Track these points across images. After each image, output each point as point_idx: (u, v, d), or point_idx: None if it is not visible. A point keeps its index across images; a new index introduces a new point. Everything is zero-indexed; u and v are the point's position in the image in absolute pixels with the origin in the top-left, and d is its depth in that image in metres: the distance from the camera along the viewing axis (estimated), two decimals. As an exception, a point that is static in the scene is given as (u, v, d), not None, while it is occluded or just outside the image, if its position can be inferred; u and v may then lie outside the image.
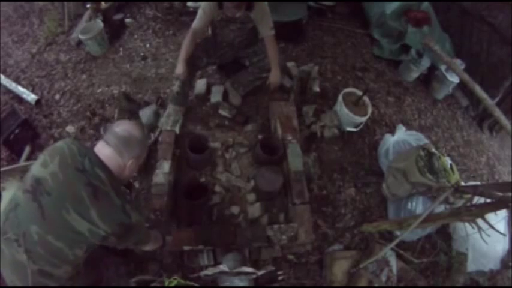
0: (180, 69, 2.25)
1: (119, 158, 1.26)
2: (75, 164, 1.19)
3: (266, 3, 2.30)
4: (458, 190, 1.82)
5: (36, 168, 1.21)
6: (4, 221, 1.20)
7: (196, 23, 2.27)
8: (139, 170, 2.28)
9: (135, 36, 3.24)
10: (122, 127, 1.30)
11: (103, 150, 1.26)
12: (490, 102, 1.60)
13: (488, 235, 1.68)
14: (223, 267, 1.79)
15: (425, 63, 3.13)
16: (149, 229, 1.56)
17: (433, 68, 3.21)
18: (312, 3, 3.47)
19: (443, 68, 3.08)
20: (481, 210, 1.64)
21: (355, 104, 2.55)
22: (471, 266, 2.17)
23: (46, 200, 1.15)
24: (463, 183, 2.24)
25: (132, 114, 2.50)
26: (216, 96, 2.66)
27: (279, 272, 2.02)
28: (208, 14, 2.24)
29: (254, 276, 1.84)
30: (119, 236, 1.23)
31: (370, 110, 2.55)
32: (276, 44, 2.40)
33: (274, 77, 2.44)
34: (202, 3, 2.25)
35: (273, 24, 2.32)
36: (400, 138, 2.43)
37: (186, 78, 2.33)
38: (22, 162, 2.30)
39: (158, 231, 1.69)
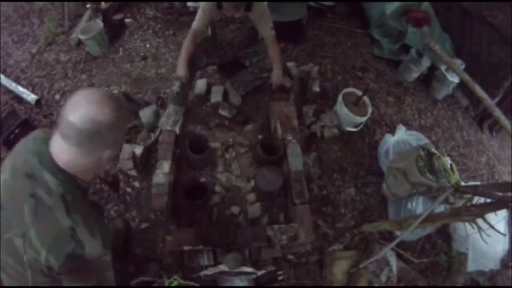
0: (181, 71, 2.25)
1: (86, 157, 0.93)
2: (25, 167, 0.92)
3: (265, 3, 2.30)
4: (458, 190, 1.82)
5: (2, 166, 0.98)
6: None
7: (196, 24, 2.27)
8: (139, 170, 2.28)
9: (135, 36, 3.24)
10: (82, 114, 0.86)
11: (59, 146, 0.91)
12: (490, 102, 1.60)
13: (488, 235, 1.68)
14: (223, 267, 1.79)
15: (425, 63, 3.13)
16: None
17: (433, 68, 3.21)
18: (312, 3, 3.47)
19: (443, 68, 3.08)
20: (481, 210, 1.64)
21: (355, 104, 2.55)
22: (471, 266, 2.17)
23: (2, 215, 0.94)
24: (463, 183, 2.24)
25: (132, 114, 2.50)
26: (216, 96, 2.66)
27: (279, 272, 2.02)
28: (208, 14, 2.24)
29: (254, 276, 1.84)
30: (66, 272, 0.92)
31: (370, 110, 2.55)
32: (277, 44, 2.40)
33: (277, 76, 2.44)
34: (202, 4, 2.25)
35: (272, 24, 2.32)
36: (400, 138, 2.43)
37: (187, 80, 2.33)
38: None
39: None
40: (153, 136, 2.41)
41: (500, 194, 1.59)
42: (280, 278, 2.01)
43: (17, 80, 2.82)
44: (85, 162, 0.94)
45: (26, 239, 0.89)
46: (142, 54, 3.08)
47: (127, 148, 2.27)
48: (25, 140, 0.99)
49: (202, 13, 2.24)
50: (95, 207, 1.05)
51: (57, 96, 2.76)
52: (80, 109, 0.86)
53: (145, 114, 2.45)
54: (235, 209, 2.18)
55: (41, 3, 3.45)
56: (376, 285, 1.96)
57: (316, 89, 2.73)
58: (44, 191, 0.89)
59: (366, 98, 2.57)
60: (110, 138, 0.94)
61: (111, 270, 1.04)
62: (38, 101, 2.68)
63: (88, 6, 3.19)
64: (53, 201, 0.89)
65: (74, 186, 0.94)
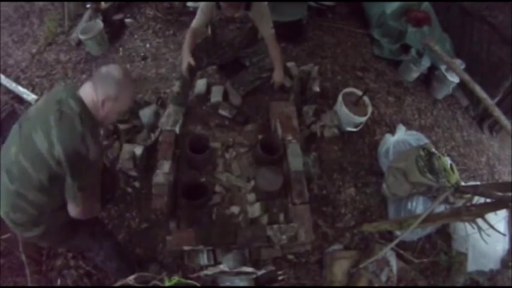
0: (187, 58, 2.22)
1: (93, 92, 1.29)
2: (56, 96, 1.29)
3: (265, 2, 2.29)
4: (458, 190, 1.82)
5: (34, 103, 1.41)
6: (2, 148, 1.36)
7: (195, 23, 2.27)
8: (139, 170, 2.28)
9: (135, 36, 3.24)
10: (108, 67, 1.34)
11: (85, 85, 1.33)
12: (490, 102, 1.60)
13: (488, 235, 1.68)
14: (223, 267, 1.79)
15: (425, 63, 3.13)
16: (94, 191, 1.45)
17: (433, 68, 3.21)
18: (312, 3, 3.47)
19: (443, 68, 3.08)
20: (481, 210, 1.64)
21: (355, 104, 2.55)
22: (471, 266, 2.17)
23: (25, 123, 1.30)
24: (463, 183, 2.24)
25: (132, 114, 2.50)
26: (216, 96, 2.66)
27: (279, 272, 2.02)
28: (207, 14, 2.24)
29: (254, 276, 1.84)
30: (70, 164, 1.23)
31: (370, 110, 2.55)
32: (278, 43, 2.40)
33: (278, 76, 2.44)
34: (201, 4, 2.25)
35: (272, 24, 2.32)
36: (400, 138, 2.43)
37: (193, 69, 2.30)
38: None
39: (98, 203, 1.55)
40: (153, 136, 2.41)
41: (500, 194, 1.59)
42: (280, 278, 2.01)
43: (17, 80, 2.83)
44: (92, 96, 1.30)
45: (47, 135, 1.22)
46: (142, 54, 3.08)
47: (127, 148, 2.28)
48: (61, 85, 1.47)
49: (201, 13, 2.24)
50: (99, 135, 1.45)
51: (57, 96, 2.76)
52: (110, 66, 1.35)
53: (145, 114, 2.45)
54: (235, 209, 2.18)
55: (41, 3, 3.45)
56: (376, 285, 1.96)
57: (316, 89, 2.73)
58: (67, 108, 1.25)
59: (365, 98, 2.57)
60: (111, 89, 1.29)
61: (97, 179, 1.42)
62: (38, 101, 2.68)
63: (88, 6, 3.19)
64: (73, 115, 1.25)
65: (88, 113, 1.30)
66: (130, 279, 1.20)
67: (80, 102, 1.28)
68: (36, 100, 1.42)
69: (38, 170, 1.24)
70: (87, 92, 1.31)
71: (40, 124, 1.25)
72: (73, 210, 1.34)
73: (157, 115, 2.48)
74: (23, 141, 1.27)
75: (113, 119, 1.42)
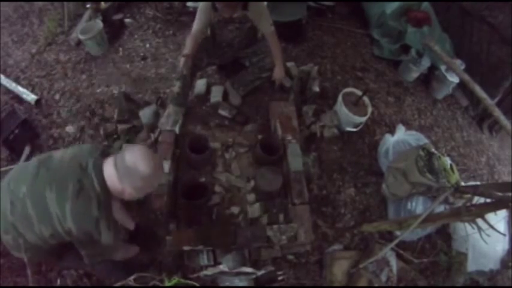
0: (188, 49, 2.25)
1: (118, 182, 1.24)
2: (81, 161, 1.25)
3: (264, 2, 2.30)
4: (458, 190, 1.82)
5: (58, 150, 1.35)
6: (13, 173, 1.33)
7: (195, 27, 2.29)
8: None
9: (135, 36, 3.24)
10: (133, 156, 1.24)
11: (109, 167, 1.26)
12: (489, 102, 1.60)
13: (488, 235, 1.68)
14: (223, 267, 1.79)
15: (425, 63, 3.13)
16: (120, 245, 1.53)
17: (433, 68, 3.21)
18: (312, 3, 3.47)
19: (443, 68, 3.08)
20: (481, 210, 1.63)
21: (355, 104, 2.54)
22: (471, 266, 2.17)
23: (43, 172, 1.25)
24: (463, 183, 2.24)
25: (132, 114, 2.50)
26: (216, 96, 2.66)
27: (279, 272, 2.02)
28: (206, 15, 2.24)
29: (254, 276, 1.84)
30: (80, 241, 1.25)
31: (370, 110, 2.55)
32: (278, 40, 2.40)
33: (279, 73, 2.44)
34: (199, 6, 2.26)
35: (272, 21, 2.32)
36: (400, 138, 2.43)
37: (190, 77, 2.30)
38: (22, 162, 2.30)
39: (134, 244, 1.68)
40: (152, 136, 2.41)
41: (500, 194, 1.59)
42: (280, 278, 2.01)
43: (17, 80, 2.82)
44: (116, 185, 1.25)
45: (60, 204, 1.19)
46: (142, 54, 3.08)
47: (127, 148, 2.27)
48: (89, 145, 1.37)
49: (199, 16, 2.26)
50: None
51: (57, 96, 2.76)
52: (135, 154, 1.24)
53: (145, 114, 2.45)
54: (235, 209, 2.18)
55: (41, 3, 3.45)
56: (376, 285, 1.96)
57: (316, 89, 2.73)
58: (89, 184, 1.21)
59: (365, 98, 2.57)
60: (138, 183, 1.25)
61: (114, 251, 1.43)
62: (37, 101, 2.68)
63: (88, 6, 3.19)
64: (92, 195, 1.21)
65: (107, 194, 1.26)
66: (130, 280, 1.21)
67: (103, 182, 1.24)
68: (65, 148, 1.38)
69: (42, 224, 1.22)
70: (110, 176, 1.25)
71: (57, 185, 1.21)
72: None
73: (157, 115, 2.48)
74: (34, 189, 1.23)
75: (135, 199, 1.38)
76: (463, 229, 1.94)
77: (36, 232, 1.24)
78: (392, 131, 2.62)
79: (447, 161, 2.20)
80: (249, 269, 1.80)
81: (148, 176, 1.24)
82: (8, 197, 1.26)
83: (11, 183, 1.28)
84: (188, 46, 2.28)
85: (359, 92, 2.58)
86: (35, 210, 1.22)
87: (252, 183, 2.28)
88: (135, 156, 1.23)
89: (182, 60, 2.29)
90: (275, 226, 1.96)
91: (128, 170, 1.22)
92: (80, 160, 1.25)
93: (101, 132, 2.50)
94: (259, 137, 2.47)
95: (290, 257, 2.13)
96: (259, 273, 1.83)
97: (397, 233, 2.12)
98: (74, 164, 1.24)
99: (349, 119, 2.52)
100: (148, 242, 1.89)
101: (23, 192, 1.23)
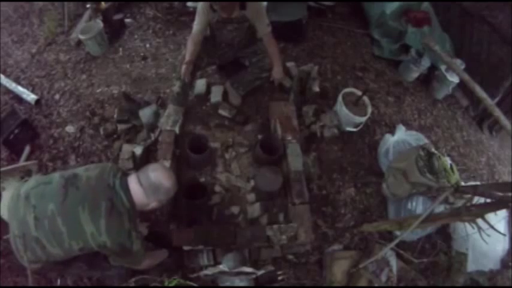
0: (189, 55, 2.28)
1: (145, 198, 1.39)
2: (108, 181, 1.36)
3: (263, 2, 2.30)
4: (458, 190, 1.82)
5: (80, 169, 1.43)
6: (32, 188, 1.37)
7: (195, 28, 2.30)
8: (139, 170, 2.27)
9: (135, 36, 3.24)
10: (157, 174, 1.41)
11: (134, 185, 1.39)
12: (490, 102, 1.59)
13: (488, 235, 1.67)
14: (223, 267, 1.79)
15: (425, 63, 3.13)
16: (149, 251, 1.67)
17: (433, 68, 3.21)
18: (312, 3, 3.47)
19: (443, 68, 3.08)
20: (481, 210, 1.63)
21: (355, 104, 2.55)
22: (471, 266, 2.17)
23: (72, 191, 1.33)
24: (463, 183, 2.24)
25: (132, 114, 2.50)
26: (216, 96, 2.66)
27: (279, 272, 2.02)
28: (204, 16, 2.26)
29: (254, 276, 1.84)
30: (114, 252, 1.37)
31: (370, 110, 2.55)
32: (275, 40, 2.40)
33: (277, 72, 2.45)
34: (197, 8, 2.26)
35: (269, 21, 2.33)
36: (400, 138, 2.43)
37: (189, 80, 2.33)
38: (22, 162, 2.30)
39: (162, 250, 1.85)
40: (153, 136, 2.41)
41: (500, 194, 1.59)
42: (280, 278, 2.01)
43: (17, 80, 2.82)
44: (142, 199, 1.40)
45: (95, 221, 1.28)
46: (142, 54, 3.08)
47: (127, 148, 2.27)
48: (110, 165, 1.46)
49: (198, 17, 2.27)
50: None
51: (57, 96, 2.76)
52: (157, 172, 1.42)
53: (145, 114, 2.45)
54: (235, 209, 2.18)
55: (41, 3, 3.45)
56: (376, 285, 1.96)
57: (316, 89, 2.73)
58: (119, 201, 1.34)
59: (365, 98, 2.57)
60: (162, 196, 1.43)
61: (142, 258, 1.52)
62: (37, 101, 2.68)
63: (88, 6, 3.19)
64: (123, 211, 1.34)
65: (134, 207, 1.40)
66: (131, 281, 1.22)
67: (130, 198, 1.37)
68: (87, 168, 1.45)
69: (74, 239, 1.30)
70: (137, 193, 1.38)
71: (89, 204, 1.30)
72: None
73: (157, 115, 2.48)
74: (66, 208, 1.30)
75: (147, 210, 1.50)
76: (463, 229, 1.94)
77: (65, 247, 1.31)
78: (392, 131, 2.62)
79: (447, 161, 2.20)
80: (249, 269, 1.80)
81: (171, 190, 1.45)
82: (31, 212, 1.31)
83: (32, 198, 1.33)
84: (189, 51, 2.29)
85: (359, 92, 2.58)
86: (67, 227, 1.29)
87: (252, 183, 2.28)
88: (159, 175, 1.41)
89: (183, 67, 2.29)
90: (275, 226, 1.96)
91: (154, 186, 1.38)
92: (107, 181, 1.36)
93: (101, 132, 2.50)
94: (259, 137, 2.47)
95: (290, 256, 2.13)
96: (259, 273, 1.83)
97: (397, 233, 2.12)
98: (102, 184, 1.35)
99: (349, 119, 2.52)
100: (164, 244, 1.94)
101: (51, 210, 1.30)
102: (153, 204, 1.45)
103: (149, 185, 1.38)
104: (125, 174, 1.45)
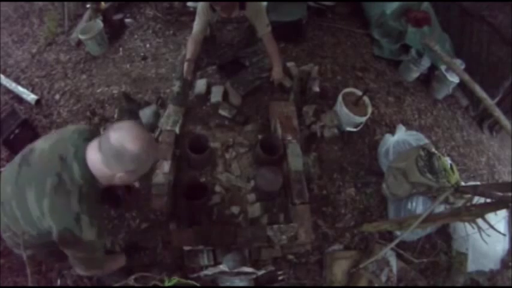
0: (190, 54, 2.29)
1: (105, 168, 1.10)
2: (62, 150, 1.12)
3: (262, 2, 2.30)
4: (458, 190, 1.82)
5: (40, 140, 1.23)
6: (5, 169, 1.25)
7: (195, 28, 2.30)
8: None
9: (135, 36, 3.24)
10: (119, 135, 1.07)
11: (92, 152, 1.11)
12: (490, 102, 1.60)
13: (488, 235, 1.67)
14: (223, 267, 1.79)
15: (425, 63, 3.13)
16: (108, 255, 1.45)
17: (433, 68, 3.21)
18: (312, 3, 3.47)
19: (443, 68, 3.08)
20: (481, 210, 1.63)
21: (355, 104, 2.54)
22: (471, 266, 2.17)
23: (24, 170, 1.15)
24: (463, 183, 2.23)
25: (132, 114, 2.50)
26: (216, 96, 2.66)
27: (279, 272, 2.02)
28: (204, 16, 2.26)
29: (254, 276, 1.84)
30: (61, 241, 1.13)
31: (370, 110, 2.55)
32: (274, 40, 2.40)
33: (277, 73, 2.45)
34: (197, 8, 2.26)
35: (268, 21, 2.33)
36: (400, 138, 2.43)
37: (191, 79, 2.33)
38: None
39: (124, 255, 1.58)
40: (153, 136, 2.41)
41: (500, 194, 1.59)
42: (280, 278, 2.01)
43: (17, 80, 2.83)
44: (103, 171, 1.12)
45: (39, 202, 1.09)
46: (142, 54, 3.08)
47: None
48: (73, 129, 1.21)
49: (198, 17, 2.27)
50: (100, 204, 1.26)
51: (57, 96, 2.76)
52: (120, 132, 1.07)
53: (145, 114, 2.45)
54: (235, 209, 2.18)
55: (41, 3, 3.45)
56: (376, 285, 1.96)
57: (316, 89, 2.73)
58: (68, 176, 1.09)
59: (365, 98, 2.57)
60: (129, 165, 1.10)
61: (101, 251, 1.27)
62: (38, 101, 2.68)
63: (88, 6, 3.19)
64: (72, 188, 1.09)
65: (91, 183, 1.13)
66: (131, 280, 1.21)
67: (86, 172, 1.11)
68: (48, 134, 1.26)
69: (28, 225, 1.15)
70: (95, 163, 1.11)
71: (36, 181, 1.10)
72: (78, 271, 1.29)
73: (157, 115, 2.48)
74: (16, 189, 1.14)
75: (127, 183, 1.28)
76: (463, 229, 1.94)
77: (26, 231, 1.18)
78: (392, 131, 2.62)
79: (447, 161, 2.20)
80: (249, 269, 1.80)
81: (139, 156, 1.08)
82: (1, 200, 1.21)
83: (1, 183, 1.21)
84: (190, 50, 2.30)
85: (359, 92, 2.58)
86: (20, 211, 1.14)
87: (252, 183, 2.28)
88: (121, 135, 1.06)
89: (185, 65, 2.29)
90: (275, 226, 1.96)
91: (115, 152, 1.06)
92: (60, 150, 1.12)
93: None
94: (259, 137, 2.47)
95: (290, 256, 2.13)
96: (259, 273, 1.83)
97: (397, 233, 2.12)
98: (53, 156, 1.11)
99: (350, 119, 2.52)
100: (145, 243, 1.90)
101: (8, 193, 1.16)
102: (119, 176, 1.12)
103: (109, 150, 1.06)
104: (90, 139, 1.16)
